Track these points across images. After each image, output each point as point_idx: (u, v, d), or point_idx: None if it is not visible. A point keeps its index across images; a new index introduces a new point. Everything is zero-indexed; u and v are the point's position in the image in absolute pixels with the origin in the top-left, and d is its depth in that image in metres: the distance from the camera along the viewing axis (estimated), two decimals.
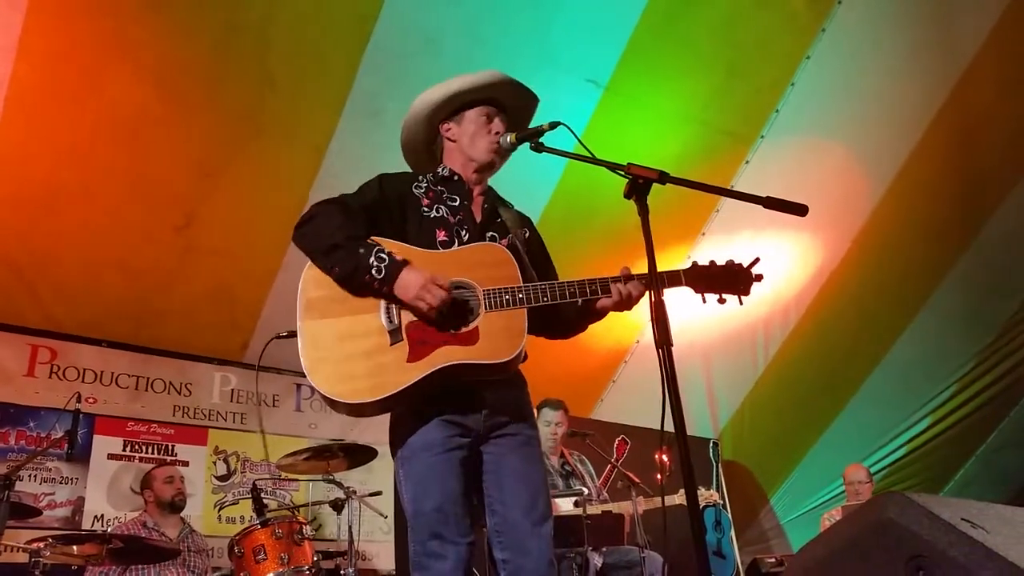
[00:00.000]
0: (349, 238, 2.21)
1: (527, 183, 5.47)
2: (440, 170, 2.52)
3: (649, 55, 4.96)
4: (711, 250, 6.12)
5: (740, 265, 2.34)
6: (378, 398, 2.14)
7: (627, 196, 2.05)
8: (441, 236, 2.36)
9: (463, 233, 2.39)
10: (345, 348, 2.18)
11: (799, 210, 1.95)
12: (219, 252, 5.05)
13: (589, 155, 2.24)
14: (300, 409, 5.67)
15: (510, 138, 2.44)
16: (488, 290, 2.22)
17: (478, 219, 2.46)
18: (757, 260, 2.34)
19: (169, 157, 4.61)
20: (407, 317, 2.21)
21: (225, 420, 5.52)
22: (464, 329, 2.19)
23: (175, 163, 4.65)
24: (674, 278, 2.27)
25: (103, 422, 5.04)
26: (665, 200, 5.18)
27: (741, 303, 2.34)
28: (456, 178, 2.51)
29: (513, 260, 2.28)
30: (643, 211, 2.02)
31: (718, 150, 5.59)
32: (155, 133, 4.49)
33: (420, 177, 2.51)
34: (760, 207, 2.02)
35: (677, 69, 5.13)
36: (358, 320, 2.21)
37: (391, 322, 2.20)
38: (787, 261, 6.26)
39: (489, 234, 2.43)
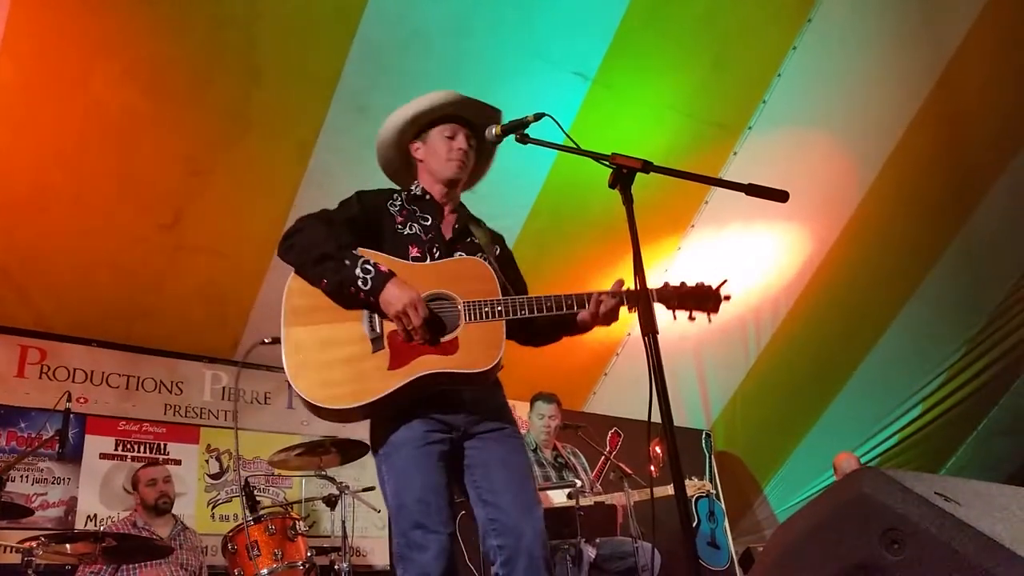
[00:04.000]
0: (338, 248, 2.29)
1: (516, 176, 5.49)
2: (413, 188, 2.59)
3: (636, 47, 4.97)
4: (701, 241, 6.19)
5: (709, 287, 2.47)
6: (357, 404, 2.22)
7: (612, 186, 2.07)
8: (414, 252, 2.43)
9: (434, 250, 2.45)
10: (327, 355, 2.25)
11: (780, 196, 1.96)
12: (209, 250, 5.04)
13: (574, 146, 2.26)
14: (292, 406, 5.66)
15: (495, 130, 2.46)
16: (469, 302, 2.29)
17: (448, 237, 2.53)
18: (725, 281, 2.48)
19: (157, 155, 4.60)
20: (389, 326, 2.27)
21: (217, 418, 5.50)
22: (444, 339, 2.26)
23: (163, 161, 4.64)
24: None
25: (94, 422, 5.02)
26: (654, 192, 5.23)
27: (710, 320, 2.47)
28: (428, 197, 2.57)
29: (494, 275, 2.37)
30: (627, 200, 2.03)
31: (706, 142, 5.61)
32: (143, 131, 4.48)
33: (395, 195, 2.57)
34: (750, 198, 2.04)
35: (664, 61, 5.14)
36: (341, 327, 2.28)
37: (373, 330, 2.27)
38: (776, 251, 6.29)
39: (458, 253, 2.50)
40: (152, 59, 4.26)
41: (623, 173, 2.04)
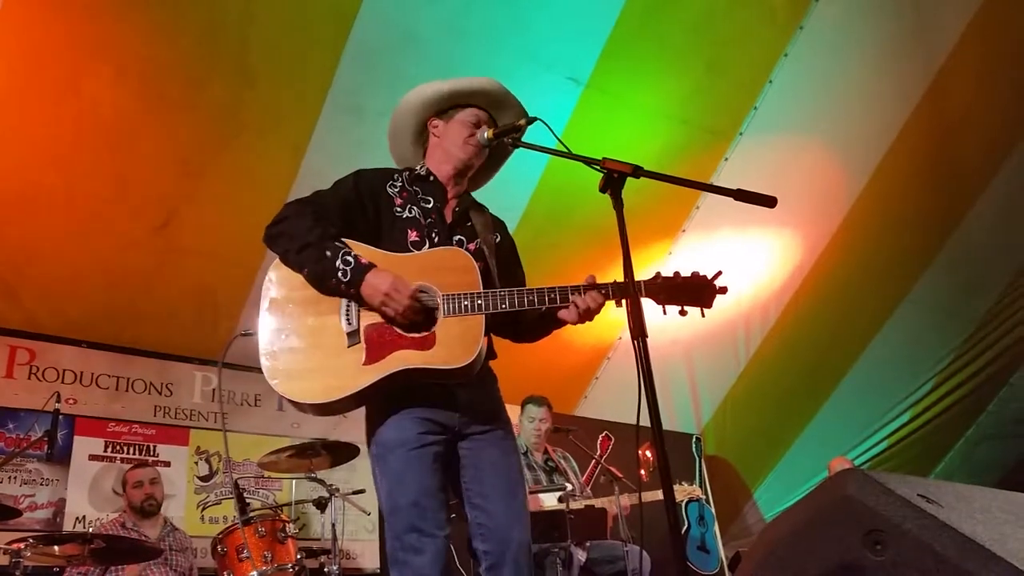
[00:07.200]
0: (320, 238, 2.24)
1: (508, 180, 5.45)
2: (418, 169, 2.53)
3: (629, 53, 4.99)
4: (692, 246, 6.20)
5: (704, 277, 2.35)
6: (331, 400, 2.18)
7: (602, 190, 2.08)
8: (413, 236, 2.38)
9: (433, 235, 2.40)
10: (303, 348, 2.22)
11: (768, 202, 1.98)
12: (200, 252, 5.04)
13: (565, 151, 2.27)
14: (282, 408, 5.65)
15: (487, 133, 2.47)
16: (447, 295, 2.23)
17: (449, 221, 2.48)
18: (720, 273, 2.35)
19: (149, 157, 4.59)
20: (366, 320, 2.23)
21: (206, 420, 5.49)
22: (422, 333, 2.21)
23: (155, 163, 4.63)
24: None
25: (83, 423, 5.01)
26: (645, 197, 5.25)
27: (703, 315, 2.34)
28: (432, 178, 2.51)
29: (475, 266, 2.30)
30: (618, 205, 2.05)
31: (697, 147, 5.64)
32: (135, 133, 4.47)
33: (395, 175, 2.51)
34: (741, 204, 2.05)
35: (656, 66, 5.16)
36: (318, 321, 2.24)
37: (350, 324, 2.22)
38: (767, 257, 6.31)
39: (457, 237, 2.44)
40: (145, 61, 4.26)
41: (613, 177, 2.05)
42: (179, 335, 5.42)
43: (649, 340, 1.90)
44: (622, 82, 5.13)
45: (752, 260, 6.26)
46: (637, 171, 2.05)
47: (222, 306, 5.33)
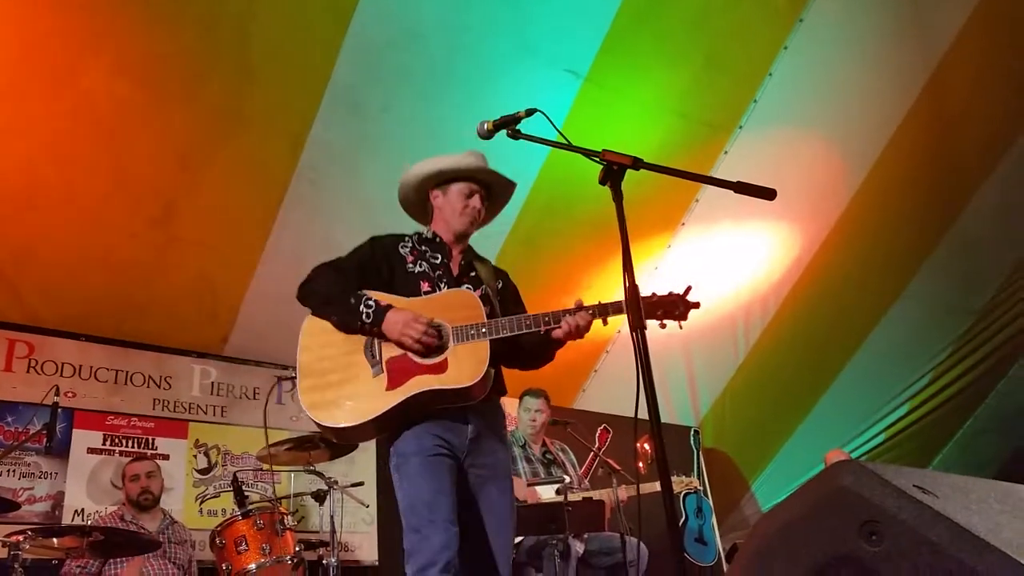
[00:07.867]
0: (343, 291, 2.64)
1: (507, 173, 5.48)
2: (425, 232, 2.94)
3: (628, 46, 4.98)
4: (691, 239, 6.20)
5: (678, 295, 2.67)
6: (360, 422, 2.52)
7: (602, 182, 2.10)
8: (425, 287, 2.76)
9: (442, 285, 2.78)
10: (335, 383, 2.58)
11: (768, 194, 1.99)
12: (199, 245, 5.03)
13: (565, 142, 2.28)
14: (281, 402, 5.65)
15: (487, 125, 2.48)
16: (456, 327, 2.59)
17: (455, 273, 2.86)
18: (690, 288, 2.66)
19: (148, 150, 4.58)
20: (387, 353, 2.58)
21: (205, 413, 5.49)
22: (435, 360, 2.56)
23: (154, 156, 4.62)
24: (616, 308, 2.61)
25: (82, 416, 5.00)
26: (645, 190, 5.25)
27: (681, 327, 2.67)
28: (438, 240, 2.90)
29: (480, 303, 2.67)
30: (617, 197, 2.06)
31: (697, 140, 5.63)
32: (134, 126, 4.46)
33: (406, 238, 2.90)
34: (740, 196, 2.06)
35: (656, 60, 5.15)
36: (345, 358, 2.61)
37: (373, 357, 2.59)
38: (766, 251, 6.32)
39: (465, 286, 2.80)
40: (144, 55, 4.25)
41: (613, 170, 2.07)
42: (178, 328, 5.42)
43: (648, 332, 1.92)
44: (621, 76, 5.12)
45: (751, 253, 6.27)
46: (637, 163, 2.06)
47: (221, 299, 5.32)
